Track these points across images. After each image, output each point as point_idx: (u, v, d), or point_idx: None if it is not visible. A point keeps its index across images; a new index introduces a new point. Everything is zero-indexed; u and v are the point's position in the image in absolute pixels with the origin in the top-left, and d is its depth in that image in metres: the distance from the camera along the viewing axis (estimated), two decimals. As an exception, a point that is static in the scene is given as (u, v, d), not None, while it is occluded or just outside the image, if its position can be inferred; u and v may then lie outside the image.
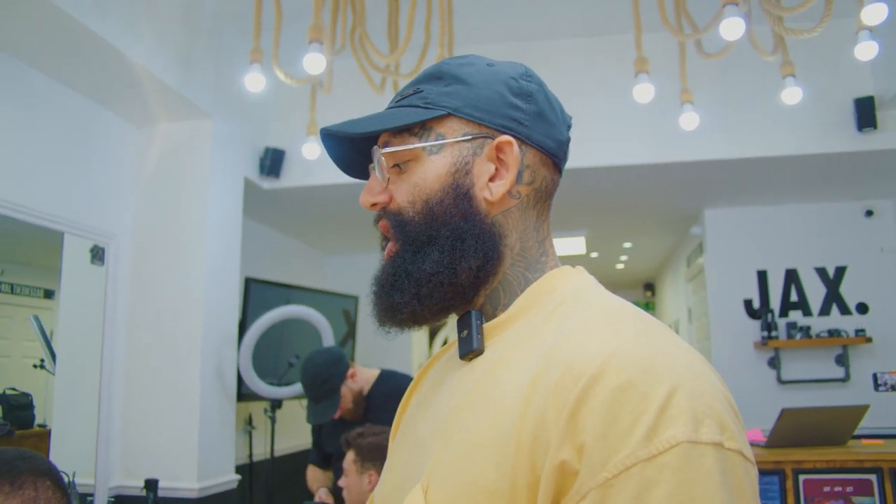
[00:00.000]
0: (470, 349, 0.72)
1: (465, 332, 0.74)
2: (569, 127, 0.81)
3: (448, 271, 0.72)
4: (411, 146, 0.74)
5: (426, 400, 0.80)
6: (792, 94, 2.79)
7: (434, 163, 0.74)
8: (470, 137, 0.74)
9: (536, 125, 0.75)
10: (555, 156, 0.78)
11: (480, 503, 0.60)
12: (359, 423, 2.61)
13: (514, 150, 0.73)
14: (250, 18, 2.82)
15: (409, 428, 0.81)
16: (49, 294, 2.99)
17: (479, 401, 0.66)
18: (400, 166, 0.75)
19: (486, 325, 0.74)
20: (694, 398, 0.56)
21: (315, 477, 2.93)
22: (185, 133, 3.45)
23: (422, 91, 0.76)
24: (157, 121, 3.43)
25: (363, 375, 2.77)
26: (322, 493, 2.66)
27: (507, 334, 0.72)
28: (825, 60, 3.63)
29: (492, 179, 0.74)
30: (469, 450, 0.63)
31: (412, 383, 0.88)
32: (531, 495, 0.58)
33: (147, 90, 3.10)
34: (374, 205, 0.77)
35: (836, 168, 3.98)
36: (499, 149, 0.74)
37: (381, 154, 0.75)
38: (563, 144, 0.79)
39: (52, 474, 0.99)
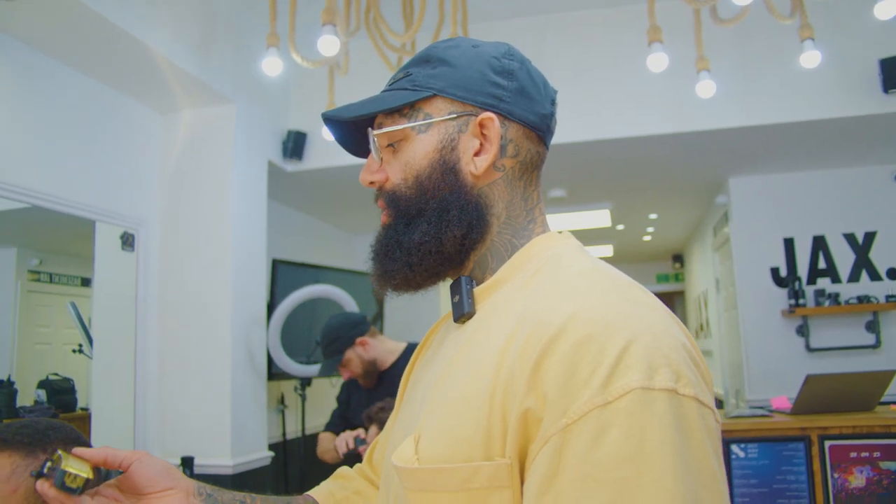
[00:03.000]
0: (461, 312, 0.79)
1: (457, 297, 0.80)
2: (553, 101, 0.85)
3: (434, 240, 0.78)
4: (401, 126, 0.80)
5: (428, 361, 0.87)
6: (811, 58, 2.76)
7: (422, 141, 0.79)
8: (455, 116, 0.79)
9: (518, 101, 0.80)
10: (538, 129, 0.82)
11: (461, 450, 0.65)
12: (384, 394, 2.65)
13: (495, 126, 0.78)
14: (267, 3, 2.86)
15: (412, 387, 0.88)
16: (86, 282, 3.08)
17: (465, 359, 0.72)
18: (394, 146, 0.81)
19: (476, 290, 0.80)
20: (649, 350, 0.60)
21: (329, 441, 2.87)
22: (208, 119, 3.51)
23: (411, 74, 0.81)
24: (180, 108, 3.49)
25: (384, 346, 2.81)
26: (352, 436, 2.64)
27: (494, 297, 0.77)
28: (847, 22, 3.56)
29: (476, 154, 0.79)
30: (454, 403, 0.69)
31: (418, 347, 0.95)
32: (503, 441, 0.64)
33: (169, 78, 3.15)
34: (371, 182, 0.84)
35: (862, 131, 3.91)
36: (482, 125, 0.78)
37: (374, 135, 0.81)
38: (546, 118, 0.83)
39: (82, 443, 1.05)
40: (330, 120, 0.83)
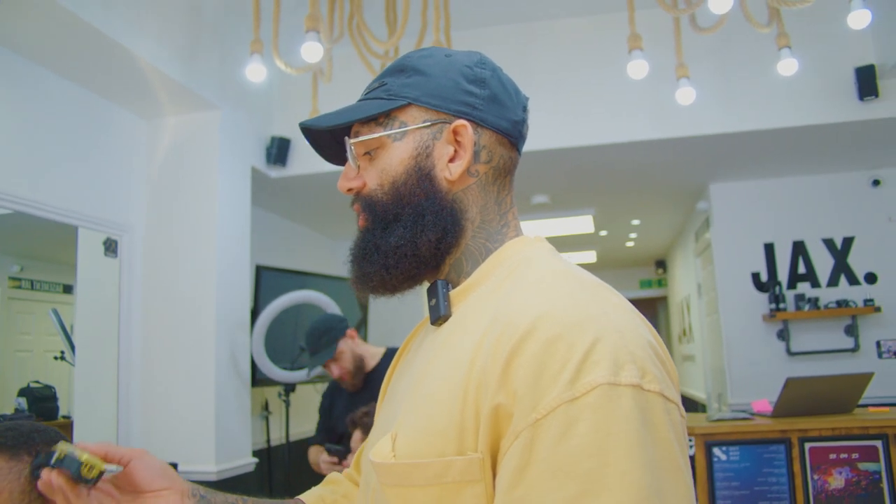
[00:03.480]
0: (438, 315, 0.81)
1: (434, 301, 0.82)
2: (524, 108, 0.87)
3: (410, 244, 0.80)
4: (377, 135, 0.82)
5: (407, 363, 0.89)
6: (788, 66, 2.80)
7: (398, 149, 0.82)
8: (429, 123, 0.81)
9: (490, 108, 0.82)
10: (510, 135, 0.84)
11: (435, 445, 0.67)
12: (367, 399, 2.66)
13: (468, 133, 0.80)
14: (251, 10, 2.87)
15: (393, 388, 0.90)
16: (68, 289, 3.06)
17: (441, 359, 0.75)
18: (370, 153, 0.83)
19: (451, 293, 0.82)
20: (616, 347, 0.62)
21: (315, 454, 2.92)
22: (193, 125, 3.51)
23: (386, 84, 0.84)
24: (164, 114, 3.49)
25: (367, 349, 2.83)
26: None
27: (469, 299, 0.80)
28: (824, 30, 3.63)
29: (451, 160, 0.81)
30: (429, 401, 0.71)
31: (399, 350, 0.97)
32: (476, 436, 0.66)
33: (153, 84, 3.15)
34: (349, 189, 0.86)
35: (839, 138, 3.97)
36: (455, 132, 0.81)
37: (351, 143, 0.83)
38: (519, 124, 0.85)
39: None
40: (307, 129, 0.85)
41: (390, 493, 0.69)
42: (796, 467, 2.77)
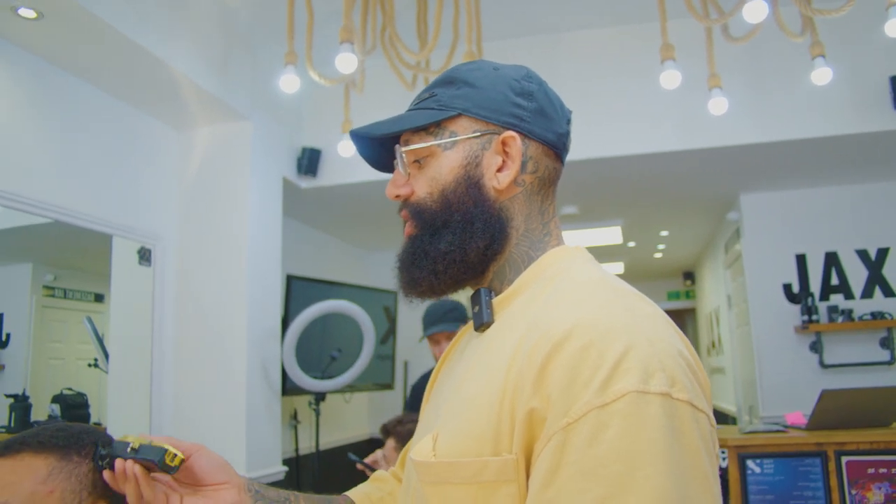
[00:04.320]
0: (481, 322, 0.84)
1: (477, 308, 0.85)
2: (568, 121, 0.90)
3: (459, 250, 0.82)
4: (428, 144, 0.85)
5: (451, 367, 0.91)
6: (822, 75, 2.78)
7: (448, 157, 0.84)
8: (479, 134, 0.84)
9: (537, 121, 0.85)
10: (555, 147, 0.87)
11: (472, 447, 0.70)
12: None
13: (517, 144, 0.83)
14: (284, 23, 2.91)
15: (437, 392, 0.93)
16: (99, 298, 3.11)
17: (482, 364, 0.78)
18: (419, 161, 0.86)
19: (495, 300, 0.84)
20: (646, 356, 0.64)
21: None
22: (225, 135, 3.56)
23: (436, 95, 0.87)
24: (197, 124, 3.54)
25: None
26: (377, 455, 2.66)
27: (511, 307, 0.82)
28: (857, 39, 3.59)
29: (499, 170, 0.84)
30: (469, 404, 0.74)
31: (443, 355, 0.99)
32: (511, 439, 0.69)
33: (187, 95, 3.20)
34: (397, 196, 0.88)
35: (873, 148, 3.92)
36: (504, 143, 0.83)
37: (402, 151, 0.86)
38: (563, 136, 0.88)
39: None
40: (357, 136, 0.88)
41: (429, 491, 0.72)
42: (833, 481, 2.72)
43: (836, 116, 3.64)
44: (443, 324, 2.86)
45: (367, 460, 2.58)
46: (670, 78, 2.70)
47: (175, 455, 0.83)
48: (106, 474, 0.86)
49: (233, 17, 3.45)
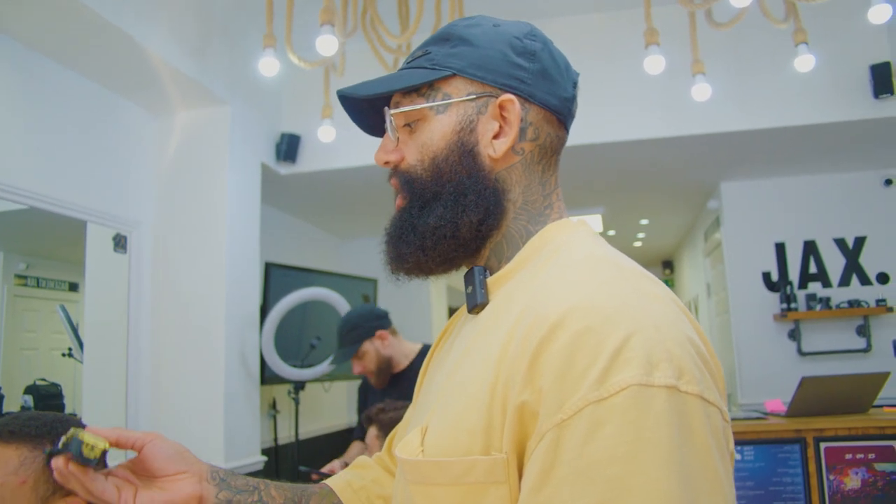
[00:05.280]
0: (475, 303, 0.77)
1: (470, 288, 0.78)
2: (574, 84, 0.83)
3: (450, 225, 0.76)
4: (418, 106, 0.78)
5: (445, 353, 0.85)
6: (805, 62, 2.78)
7: (440, 122, 0.77)
8: (474, 97, 0.77)
9: (539, 83, 0.78)
10: (559, 113, 0.80)
11: (463, 441, 0.64)
12: (396, 396, 2.62)
13: (515, 108, 0.76)
14: (263, 5, 2.85)
15: (429, 379, 0.87)
16: (74, 287, 3.05)
17: (475, 350, 0.71)
18: (410, 125, 0.79)
19: (490, 279, 0.78)
20: (651, 344, 0.58)
21: (356, 452, 2.87)
22: (203, 120, 3.50)
23: (430, 53, 0.79)
24: (174, 109, 3.47)
25: (401, 346, 2.77)
26: (334, 465, 2.65)
27: (507, 286, 0.75)
28: (839, 27, 3.60)
29: (495, 137, 0.77)
30: (459, 394, 0.68)
31: (436, 340, 0.93)
32: (501, 433, 0.62)
33: (164, 78, 3.14)
34: (386, 162, 0.81)
35: (852, 136, 3.94)
36: (501, 107, 0.76)
37: (391, 114, 0.79)
38: (568, 101, 0.81)
39: None
40: (345, 97, 0.81)
41: (414, 490, 0.67)
42: (812, 467, 2.75)
43: (817, 104, 3.66)
44: (345, 350, 2.73)
45: (325, 469, 2.56)
46: (654, 63, 2.69)
47: (93, 447, 0.77)
48: (54, 473, 0.80)
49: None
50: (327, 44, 2.41)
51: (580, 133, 3.78)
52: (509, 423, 0.61)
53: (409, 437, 0.70)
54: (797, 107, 3.67)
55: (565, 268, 0.69)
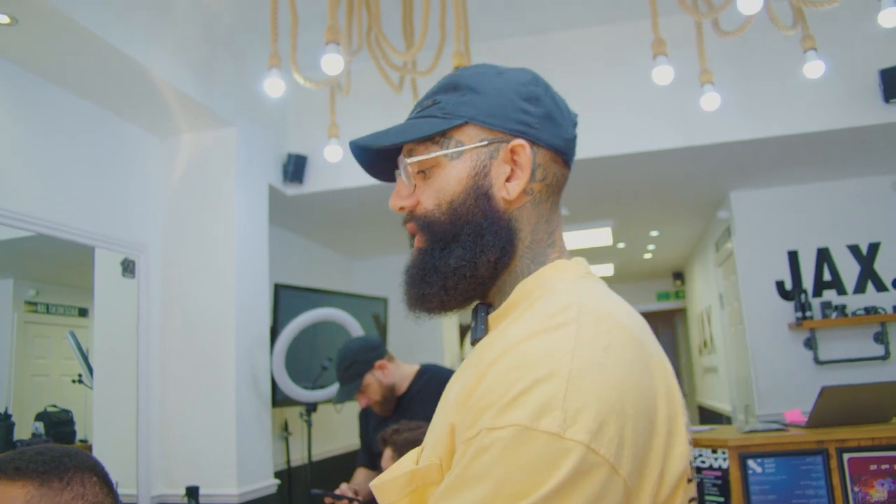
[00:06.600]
0: (475, 337, 0.84)
1: (474, 323, 0.85)
2: (574, 124, 0.88)
3: (470, 265, 0.80)
4: (434, 154, 0.81)
5: (453, 381, 0.90)
6: (814, 68, 2.75)
7: (455, 167, 0.81)
8: (486, 143, 0.81)
9: (545, 127, 0.82)
10: (563, 153, 0.84)
11: (441, 459, 0.72)
12: (402, 415, 2.60)
13: (526, 152, 0.80)
14: (268, 26, 2.85)
15: (441, 402, 0.91)
16: (83, 312, 3.04)
17: (463, 381, 0.76)
18: (424, 172, 0.83)
19: (491, 315, 0.83)
20: (554, 391, 0.62)
21: (362, 479, 2.84)
22: (209, 142, 3.49)
23: (439, 102, 0.83)
24: (180, 131, 3.47)
25: (399, 371, 2.75)
26: (343, 487, 2.62)
27: (503, 324, 0.80)
28: (847, 32, 3.57)
29: (508, 180, 0.81)
30: (445, 421, 0.74)
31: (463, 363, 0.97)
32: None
33: (170, 102, 3.14)
34: (402, 208, 0.85)
35: (863, 142, 3.91)
36: (513, 151, 0.80)
37: (407, 163, 0.83)
38: (570, 142, 0.86)
39: (98, 470, 1.01)
40: (358, 147, 0.85)
41: None
42: (835, 479, 2.69)
43: (827, 111, 3.63)
44: (348, 387, 2.71)
45: (338, 492, 2.54)
46: (663, 73, 2.66)
47: None
48: None
49: (216, 22, 3.38)
50: (333, 63, 2.40)
51: (588, 146, 3.76)
52: (449, 439, 0.70)
53: (406, 456, 0.78)
54: (807, 114, 3.65)
55: (537, 311, 0.74)
